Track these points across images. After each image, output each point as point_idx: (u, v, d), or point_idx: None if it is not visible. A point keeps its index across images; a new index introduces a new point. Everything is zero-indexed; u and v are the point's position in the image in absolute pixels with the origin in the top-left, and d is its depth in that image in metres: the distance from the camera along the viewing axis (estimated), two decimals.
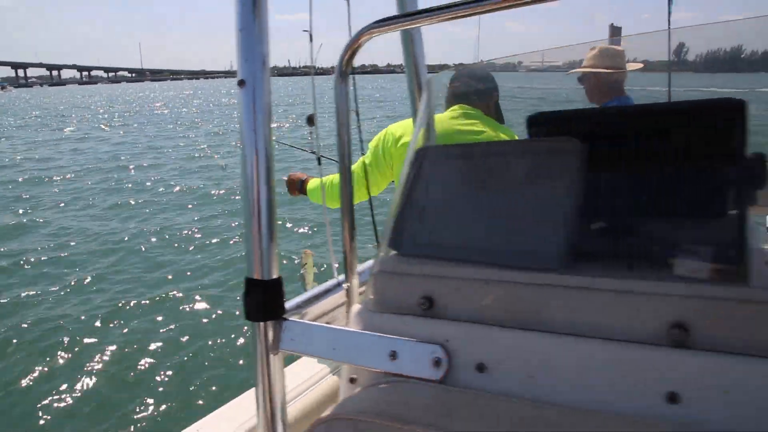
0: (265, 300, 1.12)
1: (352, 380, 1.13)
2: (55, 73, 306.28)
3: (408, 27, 1.13)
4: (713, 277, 0.88)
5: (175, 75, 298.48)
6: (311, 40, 1.75)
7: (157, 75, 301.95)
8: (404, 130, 2.29)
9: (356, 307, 1.16)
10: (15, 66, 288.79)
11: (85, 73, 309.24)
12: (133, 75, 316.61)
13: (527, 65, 2.24)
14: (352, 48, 1.21)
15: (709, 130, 1.01)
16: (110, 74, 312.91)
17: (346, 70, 1.23)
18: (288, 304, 1.19)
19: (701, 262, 0.89)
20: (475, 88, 2.41)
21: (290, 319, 1.16)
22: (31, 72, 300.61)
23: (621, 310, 0.90)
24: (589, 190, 1.00)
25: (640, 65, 2.95)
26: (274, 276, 1.12)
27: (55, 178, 14.38)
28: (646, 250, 0.98)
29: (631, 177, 1.10)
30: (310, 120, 1.91)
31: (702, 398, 0.82)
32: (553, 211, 1.01)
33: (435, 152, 1.25)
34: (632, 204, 1.08)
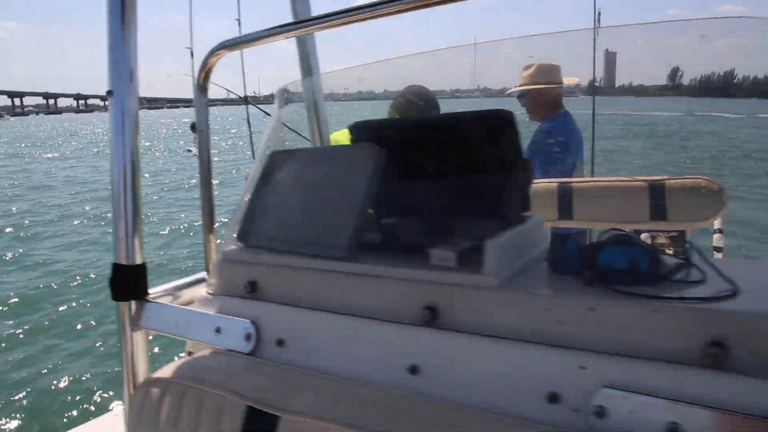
0: (128, 282, 1.28)
1: (189, 353, 1.27)
2: (52, 101, 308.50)
3: (255, 45, 1.22)
4: (457, 267, 1.00)
5: (171, 103, 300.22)
6: (192, 56, 2.20)
7: (154, 103, 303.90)
8: (343, 137, 2.33)
9: (202, 291, 1.31)
10: (12, 95, 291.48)
11: (81, 102, 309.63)
12: None
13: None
14: (206, 68, 1.36)
15: (482, 138, 1.13)
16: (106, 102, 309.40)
17: (204, 86, 1.39)
18: (154, 290, 1.37)
19: (450, 253, 1.01)
20: (416, 105, 2.49)
21: (150, 300, 1.32)
22: (28, 101, 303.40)
23: (387, 293, 1.03)
24: (383, 191, 1.14)
25: (576, 79, 3.09)
26: (138, 262, 1.29)
27: None
28: (415, 243, 1.10)
29: (418, 180, 1.22)
30: (193, 127, 2.19)
31: (437, 371, 0.92)
32: (347, 208, 1.13)
33: (275, 157, 1.36)
34: (417, 203, 1.24)
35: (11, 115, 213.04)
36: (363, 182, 1.11)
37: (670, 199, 1.78)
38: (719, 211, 1.76)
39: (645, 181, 1.82)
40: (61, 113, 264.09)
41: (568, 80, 3.09)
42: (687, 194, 1.77)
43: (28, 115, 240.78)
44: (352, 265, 1.07)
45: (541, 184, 1.96)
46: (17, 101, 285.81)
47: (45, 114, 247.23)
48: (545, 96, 3.05)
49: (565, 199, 1.91)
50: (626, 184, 1.87)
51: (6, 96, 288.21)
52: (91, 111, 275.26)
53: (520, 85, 3.12)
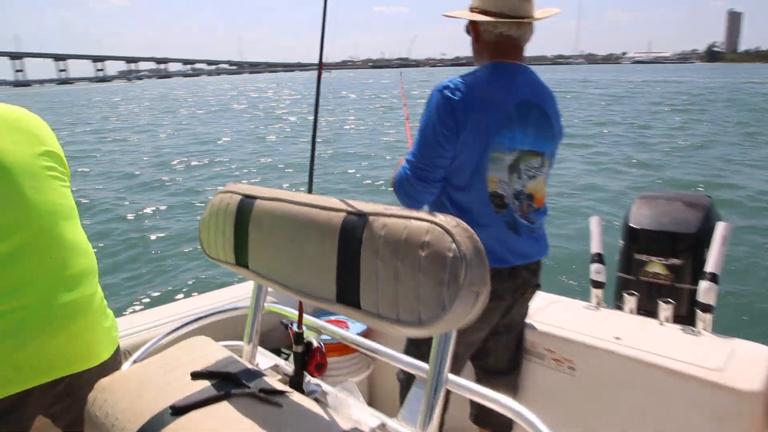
0: None
1: None
2: (163, 66, 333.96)
3: None
4: None
5: (271, 67, 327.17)
6: (322, 36, 1.31)
7: (255, 68, 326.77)
8: None
9: None
10: (128, 60, 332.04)
11: (189, 67, 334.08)
12: (234, 67, 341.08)
13: None
14: None
15: None
16: (212, 66, 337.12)
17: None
18: None
19: None
20: None
21: None
22: (143, 65, 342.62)
23: None
24: None
25: (557, 11, 1.78)
26: None
27: None
28: None
29: None
30: None
31: None
32: None
33: None
34: None
35: (128, 79, 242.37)
36: None
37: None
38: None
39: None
40: (171, 77, 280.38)
41: (543, 12, 1.69)
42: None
43: (141, 79, 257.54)
44: None
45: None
46: (133, 66, 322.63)
47: (157, 78, 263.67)
48: (488, 35, 1.67)
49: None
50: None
51: (125, 62, 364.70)
52: (198, 75, 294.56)
53: (468, 9, 1.75)
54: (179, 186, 11.16)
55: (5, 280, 1.17)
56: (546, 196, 1.71)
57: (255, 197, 1.16)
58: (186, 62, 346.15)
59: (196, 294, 2.48)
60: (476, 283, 0.78)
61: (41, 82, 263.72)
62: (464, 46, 1.81)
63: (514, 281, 1.66)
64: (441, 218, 0.82)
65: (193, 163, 13.97)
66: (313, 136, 1.25)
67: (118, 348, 1.39)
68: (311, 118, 1.26)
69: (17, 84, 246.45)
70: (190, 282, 5.68)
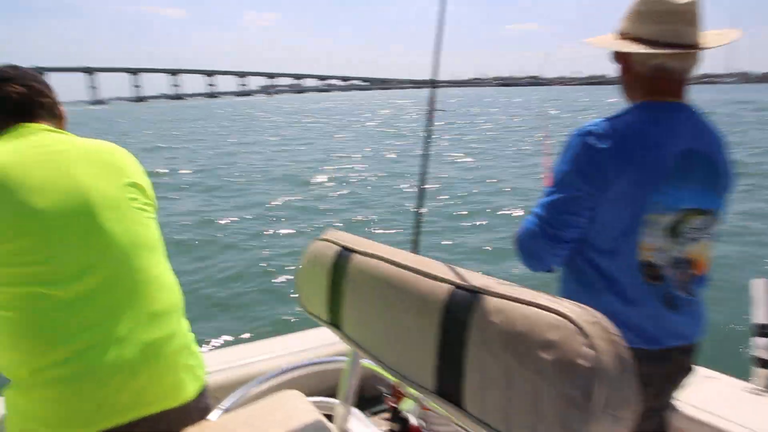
0: None
1: None
2: (298, 81, 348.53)
3: None
4: None
5: (401, 84, 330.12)
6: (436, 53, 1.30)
7: (386, 84, 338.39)
8: None
9: None
10: (269, 75, 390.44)
11: (323, 82, 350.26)
12: (366, 83, 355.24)
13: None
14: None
15: None
16: (345, 83, 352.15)
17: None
18: None
19: None
20: None
21: None
22: (281, 81, 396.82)
23: None
24: None
25: (735, 35, 1.38)
26: None
27: None
28: None
29: None
30: None
31: None
32: None
33: None
34: None
35: (266, 93, 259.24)
36: None
37: None
38: None
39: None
40: (305, 92, 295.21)
41: (718, 36, 1.36)
42: None
43: (278, 94, 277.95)
44: None
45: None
46: (271, 81, 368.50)
47: (294, 93, 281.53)
48: (639, 68, 1.37)
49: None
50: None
51: (266, 77, 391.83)
52: (330, 90, 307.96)
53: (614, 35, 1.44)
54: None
55: (89, 315, 1.15)
56: (710, 260, 1.40)
57: (354, 250, 1.06)
58: (321, 78, 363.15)
59: (287, 333, 2.40)
60: (617, 406, 0.59)
61: (192, 95, 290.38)
62: (599, 63, 1.27)
63: (666, 366, 1.37)
64: (574, 310, 0.64)
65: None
66: (421, 189, 1.08)
67: (204, 388, 1.33)
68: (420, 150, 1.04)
69: (172, 97, 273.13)
70: (285, 317, 5.42)
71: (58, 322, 1.13)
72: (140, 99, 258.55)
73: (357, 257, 1.03)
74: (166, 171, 15.44)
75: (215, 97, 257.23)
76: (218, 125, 39.99)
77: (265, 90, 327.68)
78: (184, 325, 1.32)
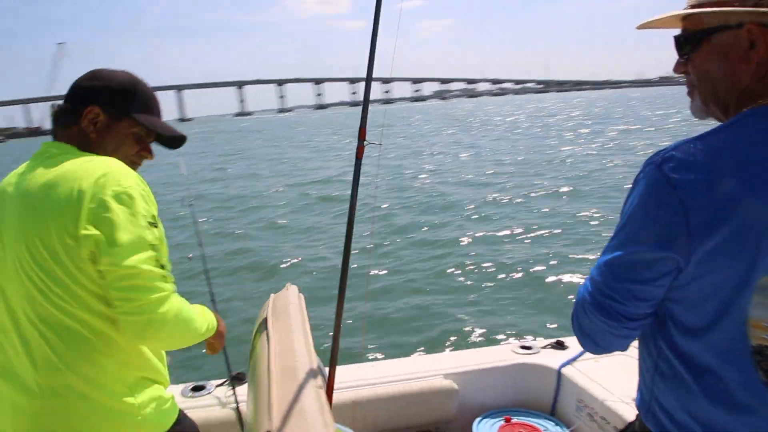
0: None
1: None
2: (471, 86, 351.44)
3: None
4: None
5: (579, 85, 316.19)
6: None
7: (562, 86, 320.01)
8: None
9: None
10: (442, 81, 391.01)
11: (497, 86, 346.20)
12: (541, 86, 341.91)
13: None
14: None
15: None
16: (519, 86, 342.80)
17: None
18: None
19: None
20: None
21: None
22: (454, 86, 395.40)
23: None
24: None
25: None
26: None
27: None
28: None
29: None
30: None
31: None
32: None
33: None
34: None
35: (439, 99, 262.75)
36: None
37: None
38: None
39: None
40: (478, 96, 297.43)
41: None
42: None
43: (452, 99, 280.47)
44: None
45: None
46: (445, 86, 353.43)
47: (466, 97, 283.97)
48: (712, 72, 0.93)
49: None
50: None
51: (439, 82, 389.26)
52: (504, 94, 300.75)
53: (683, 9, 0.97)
54: None
55: None
56: None
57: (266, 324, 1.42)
58: (494, 82, 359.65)
59: None
60: None
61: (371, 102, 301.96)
62: None
63: None
64: None
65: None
66: None
67: None
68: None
69: (351, 104, 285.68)
70: None
71: None
72: (321, 107, 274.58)
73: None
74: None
75: (390, 103, 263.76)
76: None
77: (439, 95, 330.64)
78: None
